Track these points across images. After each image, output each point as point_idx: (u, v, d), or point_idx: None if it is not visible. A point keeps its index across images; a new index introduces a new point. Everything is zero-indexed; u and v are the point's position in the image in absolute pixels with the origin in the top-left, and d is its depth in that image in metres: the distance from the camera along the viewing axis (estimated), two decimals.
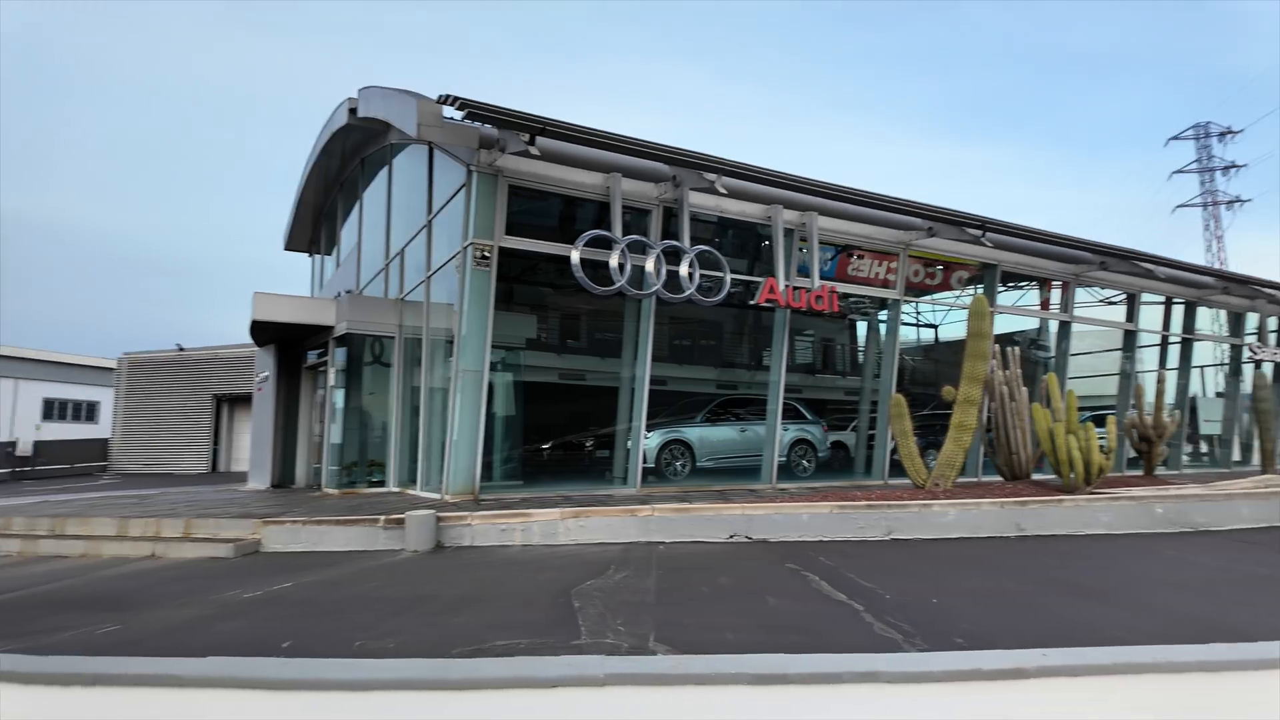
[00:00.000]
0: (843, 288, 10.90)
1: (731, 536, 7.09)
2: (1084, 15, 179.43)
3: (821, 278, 11.12)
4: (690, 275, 9.28)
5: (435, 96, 7.79)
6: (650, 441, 10.72)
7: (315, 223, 18.40)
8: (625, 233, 9.02)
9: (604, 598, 4.83)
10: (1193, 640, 3.22)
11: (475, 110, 7.23)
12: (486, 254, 8.40)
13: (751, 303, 9.94)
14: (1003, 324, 14.78)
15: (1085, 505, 7.55)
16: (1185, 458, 16.03)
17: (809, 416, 12.92)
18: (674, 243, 9.30)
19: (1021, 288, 14.72)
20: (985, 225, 10.40)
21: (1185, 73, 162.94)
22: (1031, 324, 14.91)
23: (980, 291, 12.32)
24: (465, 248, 8.49)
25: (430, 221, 10.50)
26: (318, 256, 19.61)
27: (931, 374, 17.53)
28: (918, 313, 17.68)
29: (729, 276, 9.55)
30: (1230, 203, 47.51)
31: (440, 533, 6.82)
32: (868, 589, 5.15)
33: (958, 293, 13.41)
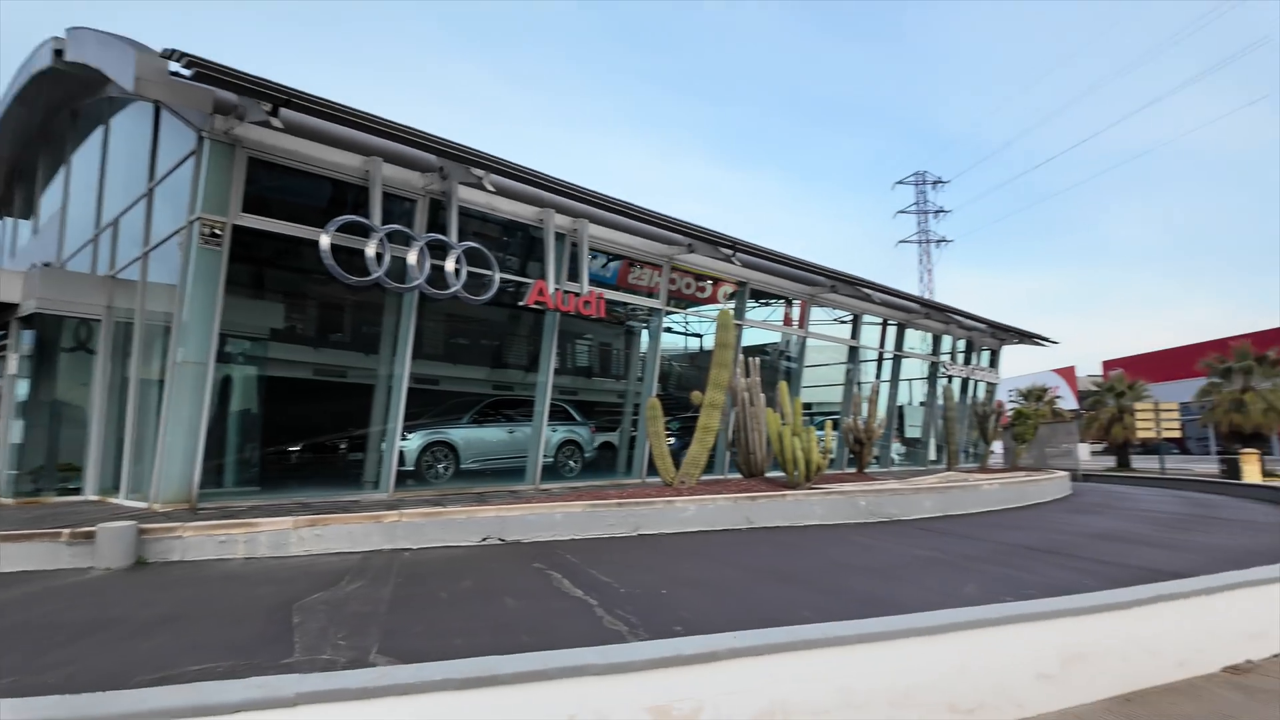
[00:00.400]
0: (610, 294, 11.28)
1: (485, 539, 7.01)
2: (831, 65, 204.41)
3: (603, 284, 11.43)
4: (457, 271, 9.05)
5: (160, 50, 6.82)
6: (410, 443, 10.28)
7: (8, 180, 15.25)
8: (387, 221, 8.57)
9: (330, 611, 4.53)
10: (866, 615, 3.73)
11: (207, 70, 6.42)
12: (217, 231, 7.48)
13: (521, 303, 9.93)
14: (759, 337, 16.29)
15: (803, 499, 8.53)
16: (897, 457, 18.77)
17: (578, 418, 13.22)
18: (440, 236, 9.01)
19: (770, 304, 16.27)
20: (735, 246, 11.39)
21: (920, 126, 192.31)
22: (780, 337, 16.56)
23: (731, 306, 13.44)
24: (191, 223, 7.50)
25: (152, 190, 9.14)
26: (9, 220, 16.29)
27: (696, 381, 18.74)
28: (686, 322, 18.86)
29: (498, 275, 9.46)
30: (939, 242, 56.82)
31: (143, 547, 5.95)
32: (606, 584, 5.37)
33: (722, 305, 14.48)
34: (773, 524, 8.30)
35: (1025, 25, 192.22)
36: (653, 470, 10.74)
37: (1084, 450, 31.61)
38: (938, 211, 56.57)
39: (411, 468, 10.27)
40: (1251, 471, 21.27)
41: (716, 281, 13.67)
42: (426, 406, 12.59)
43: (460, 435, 11.16)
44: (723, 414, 10.98)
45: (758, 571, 6.09)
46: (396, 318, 9.36)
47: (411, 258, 8.66)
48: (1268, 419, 26.73)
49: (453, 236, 9.11)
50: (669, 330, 19.00)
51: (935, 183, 56.56)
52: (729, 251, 11.39)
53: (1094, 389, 35.36)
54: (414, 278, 8.67)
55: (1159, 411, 25.43)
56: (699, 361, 19.02)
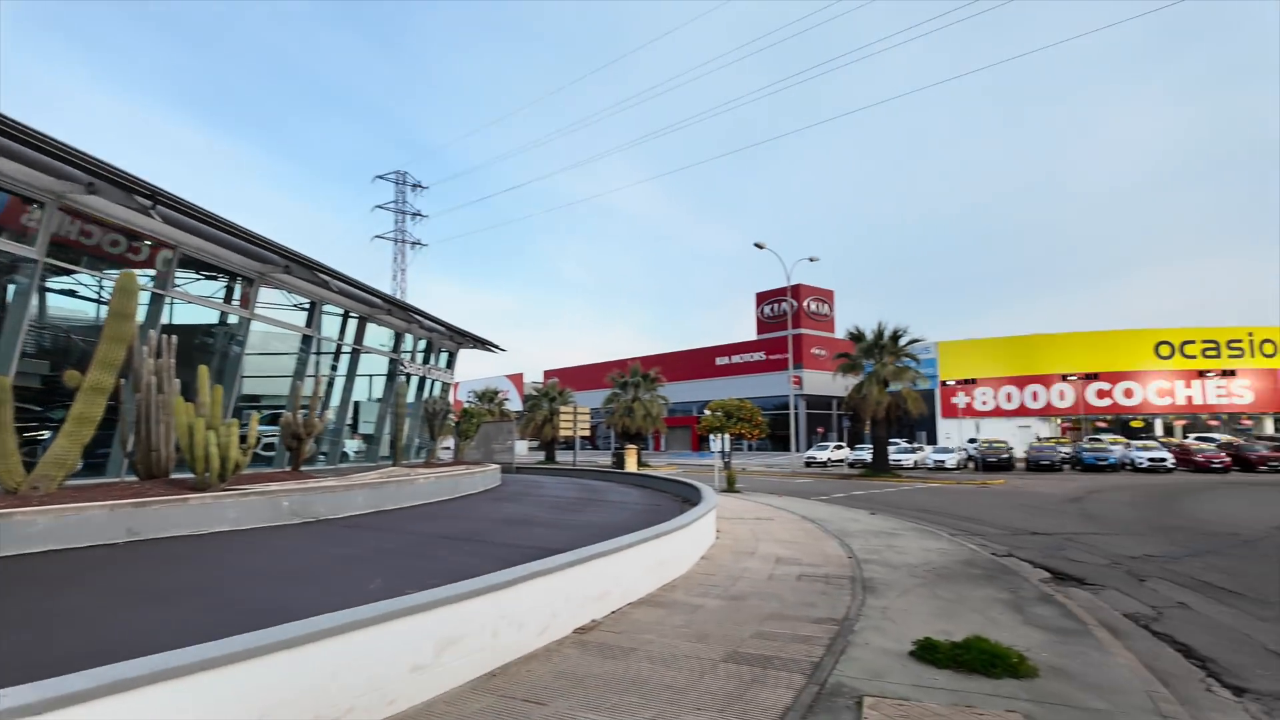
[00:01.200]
0: None
1: None
2: (327, 48, 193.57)
3: None
4: None
5: None
6: None
7: None
8: None
9: None
10: (256, 627, 3.19)
11: None
12: None
13: None
14: (198, 315, 13.83)
15: (213, 503, 7.40)
16: (351, 454, 18.19)
17: None
18: None
19: (218, 278, 14.09)
20: (156, 197, 9.30)
21: (404, 129, 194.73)
22: (232, 319, 14.42)
23: (156, 270, 11.14)
24: None
25: None
26: None
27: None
28: (101, 286, 14.98)
29: None
30: (414, 243, 58.48)
31: None
32: None
33: (159, 272, 11.79)
34: (167, 534, 6.95)
35: (509, 65, 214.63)
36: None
37: (522, 446, 36.33)
38: (415, 214, 58.22)
39: None
40: (632, 462, 27.46)
41: (158, 245, 11.18)
42: None
43: None
44: (122, 401, 8.88)
45: (123, 593, 4.95)
46: None
47: None
48: (646, 423, 35.15)
49: None
50: (73, 295, 14.92)
51: (415, 186, 58.19)
52: (147, 202, 9.26)
53: (534, 393, 41.02)
54: None
55: (577, 414, 30.82)
56: None
